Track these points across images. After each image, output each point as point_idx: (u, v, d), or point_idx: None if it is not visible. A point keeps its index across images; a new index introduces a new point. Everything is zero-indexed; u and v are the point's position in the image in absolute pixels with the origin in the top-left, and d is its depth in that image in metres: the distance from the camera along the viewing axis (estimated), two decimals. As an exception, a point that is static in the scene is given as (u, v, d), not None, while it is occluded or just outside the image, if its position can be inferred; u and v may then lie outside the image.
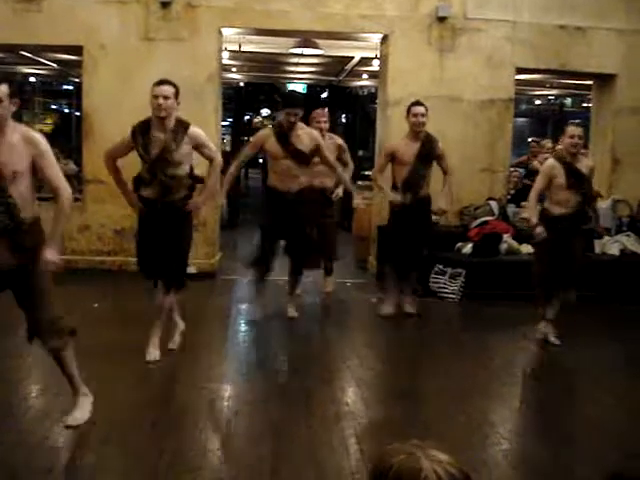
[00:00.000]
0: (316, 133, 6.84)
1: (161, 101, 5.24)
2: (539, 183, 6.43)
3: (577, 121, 6.99)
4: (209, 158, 5.60)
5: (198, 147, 5.49)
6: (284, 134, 6.54)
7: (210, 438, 4.26)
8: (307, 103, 6.99)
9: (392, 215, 7.03)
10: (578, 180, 6.24)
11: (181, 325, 5.92)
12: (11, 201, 4.00)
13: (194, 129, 5.46)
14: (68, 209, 4.24)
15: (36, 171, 4.10)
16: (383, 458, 1.62)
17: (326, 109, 8.01)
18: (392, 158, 6.91)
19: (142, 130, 5.38)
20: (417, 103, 6.86)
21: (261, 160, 6.79)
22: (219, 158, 5.75)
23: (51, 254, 4.17)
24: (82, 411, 4.39)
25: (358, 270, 9.30)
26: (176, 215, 5.45)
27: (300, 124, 6.63)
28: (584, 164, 6.35)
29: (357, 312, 7.20)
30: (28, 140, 4.05)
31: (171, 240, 5.49)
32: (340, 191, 7.86)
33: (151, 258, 5.55)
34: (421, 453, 1.59)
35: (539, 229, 6.31)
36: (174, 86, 5.35)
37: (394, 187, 6.94)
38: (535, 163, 10.61)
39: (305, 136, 6.61)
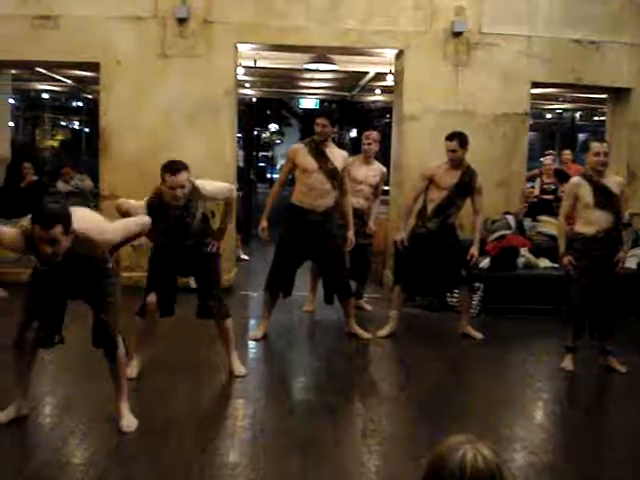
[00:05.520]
0: (346, 154, 6.86)
1: (179, 192, 5.01)
2: (565, 204, 6.17)
3: (598, 137, 6.91)
4: (224, 201, 5.57)
5: (211, 199, 5.41)
6: (318, 147, 6.55)
7: (237, 454, 4.25)
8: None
9: (413, 238, 6.90)
10: (607, 198, 5.92)
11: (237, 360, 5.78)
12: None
13: (200, 184, 5.20)
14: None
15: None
16: (439, 445, 1.88)
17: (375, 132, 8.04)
18: (429, 181, 6.82)
19: (158, 209, 5.10)
20: (449, 137, 6.75)
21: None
22: (233, 196, 5.66)
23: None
24: (132, 418, 4.53)
25: (374, 284, 9.26)
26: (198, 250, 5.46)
27: (332, 143, 6.68)
28: (613, 181, 6.04)
29: (375, 327, 7.15)
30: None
31: (198, 262, 5.51)
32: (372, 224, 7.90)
33: (166, 281, 5.51)
34: (470, 442, 1.83)
35: (566, 259, 6.02)
36: (186, 167, 5.05)
37: (423, 209, 6.89)
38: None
39: (337, 154, 6.65)
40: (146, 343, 5.62)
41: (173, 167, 4.96)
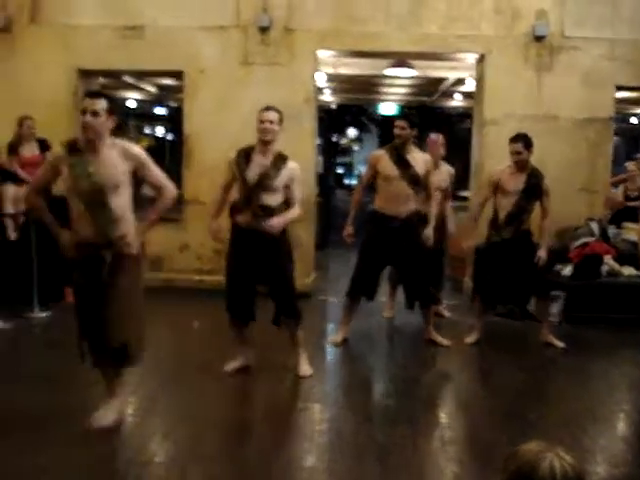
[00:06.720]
0: (429, 158, 6.80)
1: (267, 125, 5.41)
2: None
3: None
4: (293, 199, 5.51)
5: (291, 182, 5.48)
6: (399, 153, 6.54)
7: (315, 459, 4.28)
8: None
9: (488, 247, 6.84)
10: None
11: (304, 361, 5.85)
12: (109, 215, 4.27)
13: (294, 163, 5.53)
14: (170, 202, 4.51)
15: (139, 181, 4.40)
16: (518, 449, 1.93)
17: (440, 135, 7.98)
18: (495, 187, 6.71)
19: (245, 155, 5.51)
20: (513, 139, 6.64)
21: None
22: (299, 209, 5.61)
23: (133, 237, 4.37)
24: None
25: (453, 291, 9.21)
26: (270, 240, 5.43)
27: (413, 147, 6.64)
28: None
29: (454, 334, 7.10)
30: (128, 155, 4.32)
31: (269, 268, 5.52)
32: (452, 227, 7.87)
33: (242, 288, 5.56)
34: (551, 450, 1.88)
35: None
36: (279, 113, 5.50)
37: (495, 218, 6.77)
38: None
39: (419, 158, 6.59)
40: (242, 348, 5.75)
41: (267, 106, 5.56)
